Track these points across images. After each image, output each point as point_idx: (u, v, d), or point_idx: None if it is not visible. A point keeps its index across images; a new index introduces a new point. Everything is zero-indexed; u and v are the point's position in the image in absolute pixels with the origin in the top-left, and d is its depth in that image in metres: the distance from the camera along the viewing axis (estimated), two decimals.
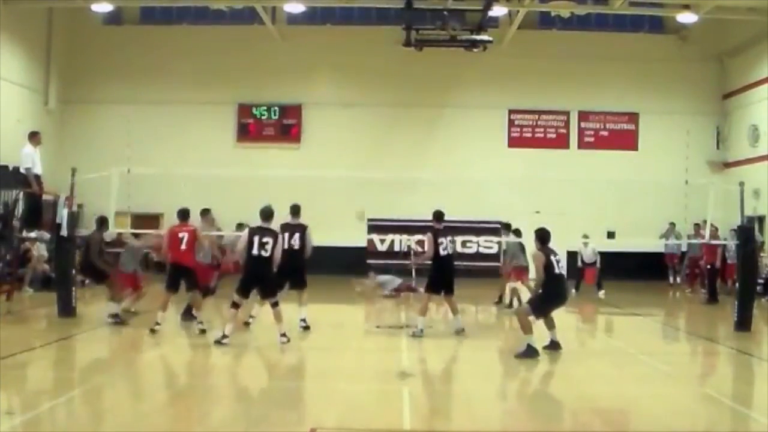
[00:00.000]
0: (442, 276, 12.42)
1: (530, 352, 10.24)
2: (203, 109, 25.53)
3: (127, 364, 9.33)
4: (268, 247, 10.90)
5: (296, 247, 12.50)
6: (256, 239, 10.92)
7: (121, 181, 15.19)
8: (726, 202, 18.38)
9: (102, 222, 13.88)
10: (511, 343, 12.54)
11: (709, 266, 18.68)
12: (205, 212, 15.10)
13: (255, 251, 10.87)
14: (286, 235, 12.41)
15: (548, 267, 10.33)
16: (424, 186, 23.03)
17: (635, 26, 25.75)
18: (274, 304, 11.18)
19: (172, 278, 12.12)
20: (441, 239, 12.34)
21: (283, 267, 11.77)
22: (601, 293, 18.71)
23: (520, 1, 22.14)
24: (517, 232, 16.94)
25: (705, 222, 18.47)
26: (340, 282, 19.16)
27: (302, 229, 12.75)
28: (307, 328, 12.52)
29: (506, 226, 17.70)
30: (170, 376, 8.82)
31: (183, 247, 11.87)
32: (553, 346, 10.76)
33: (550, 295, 10.47)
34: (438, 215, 12.69)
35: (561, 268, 10.54)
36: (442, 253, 12.34)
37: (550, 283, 10.36)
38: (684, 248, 22.40)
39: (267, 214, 11.49)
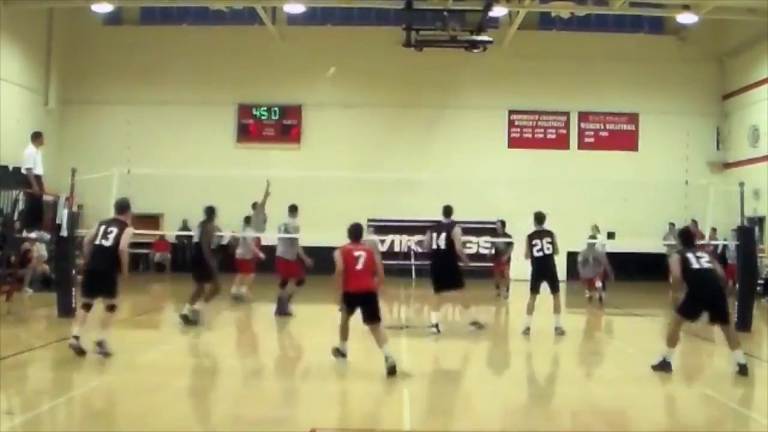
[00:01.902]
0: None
1: (664, 366, 9.37)
2: (203, 109, 25.55)
3: (127, 364, 9.32)
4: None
5: (443, 247, 12.48)
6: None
7: (121, 181, 15.18)
8: (726, 203, 18.41)
9: (212, 212, 13.49)
10: (511, 343, 12.56)
11: None
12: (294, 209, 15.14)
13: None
14: (434, 234, 12.57)
15: (685, 265, 9.38)
16: (424, 186, 23.04)
17: (635, 27, 25.77)
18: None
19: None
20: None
21: (434, 267, 12.46)
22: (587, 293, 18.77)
23: (520, 2, 22.16)
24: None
25: (714, 230, 18.47)
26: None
27: (450, 228, 12.70)
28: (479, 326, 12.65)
29: (502, 224, 18.94)
30: (170, 376, 8.81)
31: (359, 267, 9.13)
32: (663, 367, 9.48)
33: (695, 294, 9.38)
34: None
35: (702, 262, 9.43)
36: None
37: (691, 280, 9.37)
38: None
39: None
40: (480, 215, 23.80)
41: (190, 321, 12.64)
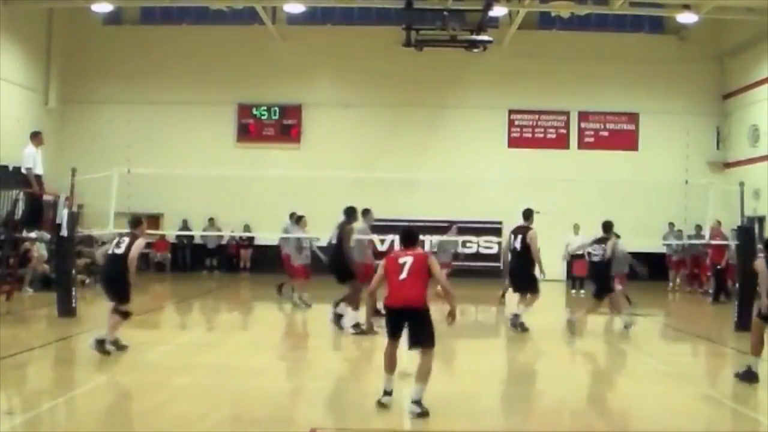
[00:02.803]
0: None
1: (750, 376, 8.78)
2: (203, 109, 25.55)
3: (127, 364, 9.33)
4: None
5: (519, 249, 12.72)
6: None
7: (121, 181, 15.18)
8: (726, 203, 18.39)
9: (352, 212, 13.19)
10: (510, 343, 12.56)
11: (717, 266, 18.56)
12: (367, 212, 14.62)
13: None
14: (512, 236, 12.81)
15: None
16: (424, 186, 23.05)
17: (635, 26, 25.76)
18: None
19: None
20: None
21: (510, 269, 12.85)
22: (582, 292, 18.79)
23: (520, 2, 22.15)
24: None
25: (719, 222, 18.46)
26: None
27: (526, 231, 12.84)
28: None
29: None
30: (170, 376, 8.82)
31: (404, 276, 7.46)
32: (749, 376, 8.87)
33: None
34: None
35: None
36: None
37: None
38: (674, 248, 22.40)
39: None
40: (480, 215, 23.86)
41: (338, 323, 12.51)
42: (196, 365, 9.58)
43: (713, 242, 17.71)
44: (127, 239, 9.89)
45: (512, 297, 13.60)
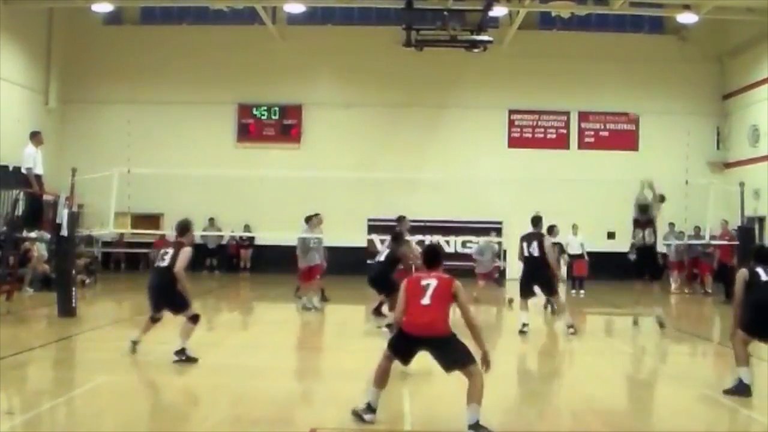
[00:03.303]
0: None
1: (741, 389, 8.17)
2: (203, 109, 25.56)
3: (127, 364, 9.32)
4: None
5: (536, 254, 12.85)
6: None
7: (121, 181, 15.18)
8: (726, 203, 18.41)
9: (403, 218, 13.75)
10: (511, 343, 12.55)
11: (728, 266, 18.33)
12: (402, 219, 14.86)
13: None
14: (525, 243, 12.94)
15: (752, 278, 8.48)
16: (424, 186, 23.06)
17: (635, 27, 25.77)
18: None
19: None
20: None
21: (526, 273, 12.93)
22: (582, 293, 18.78)
23: (521, 2, 22.16)
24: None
25: (726, 222, 18.40)
26: (339, 282, 19.13)
27: (541, 237, 13.08)
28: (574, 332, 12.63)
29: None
30: (170, 376, 8.81)
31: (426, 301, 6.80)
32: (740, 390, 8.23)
33: (762, 308, 8.36)
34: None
35: None
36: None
37: (756, 294, 8.40)
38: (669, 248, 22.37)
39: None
40: (480, 215, 23.85)
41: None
42: (196, 365, 9.56)
43: (721, 242, 17.68)
44: (170, 251, 9.61)
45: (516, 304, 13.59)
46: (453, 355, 6.76)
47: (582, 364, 11.23)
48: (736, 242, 17.66)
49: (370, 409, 6.78)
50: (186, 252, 9.53)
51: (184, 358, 9.27)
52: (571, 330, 12.55)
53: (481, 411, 6.53)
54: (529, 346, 12.11)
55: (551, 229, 15.50)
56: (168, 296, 9.53)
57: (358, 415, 6.77)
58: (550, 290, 13.47)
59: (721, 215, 18.16)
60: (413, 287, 6.86)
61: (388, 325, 11.78)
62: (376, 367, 6.92)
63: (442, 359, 6.84)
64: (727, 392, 8.21)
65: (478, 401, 6.54)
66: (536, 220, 13.22)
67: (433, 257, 7.13)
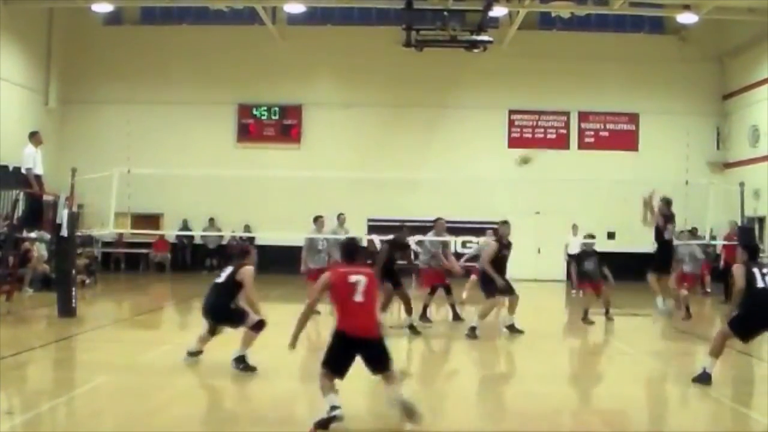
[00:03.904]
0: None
1: (704, 378, 8.55)
2: (203, 109, 25.56)
3: (127, 364, 9.32)
4: None
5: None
6: None
7: (121, 181, 15.17)
8: (726, 203, 18.41)
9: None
10: (510, 343, 12.55)
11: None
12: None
13: None
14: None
15: (750, 280, 8.55)
16: (424, 186, 23.05)
17: (635, 27, 25.76)
18: None
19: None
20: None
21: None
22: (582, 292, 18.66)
23: (521, 2, 22.15)
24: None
25: (736, 223, 18.33)
26: None
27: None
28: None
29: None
30: (170, 376, 8.81)
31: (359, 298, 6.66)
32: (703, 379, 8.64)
33: (753, 313, 8.55)
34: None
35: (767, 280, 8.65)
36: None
37: (753, 299, 8.53)
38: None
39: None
40: (480, 215, 23.82)
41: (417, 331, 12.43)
42: (197, 365, 9.56)
43: (729, 242, 17.63)
44: (229, 268, 9.31)
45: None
46: (385, 359, 6.61)
47: (582, 364, 11.23)
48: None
49: (334, 408, 6.56)
50: (249, 271, 9.13)
51: (241, 366, 8.89)
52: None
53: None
54: (526, 345, 12.11)
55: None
56: (221, 314, 9.17)
57: (336, 418, 6.50)
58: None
59: (721, 215, 18.13)
60: (342, 283, 6.59)
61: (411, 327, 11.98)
62: (320, 386, 6.69)
63: (375, 364, 6.62)
64: (694, 380, 8.60)
65: (398, 383, 6.68)
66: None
67: (351, 251, 7.02)
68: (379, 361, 6.57)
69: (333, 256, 15.76)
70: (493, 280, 12.17)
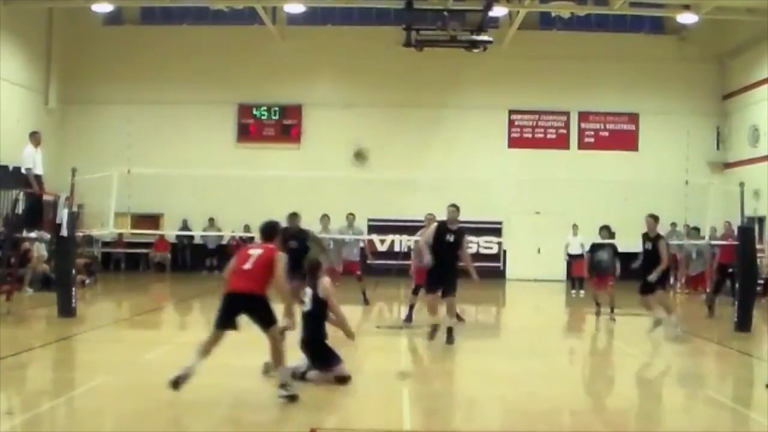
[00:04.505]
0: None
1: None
2: (203, 109, 25.56)
3: (127, 364, 9.32)
4: None
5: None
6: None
7: (121, 181, 15.16)
8: (726, 203, 18.39)
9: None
10: (509, 342, 12.56)
11: (730, 270, 17.99)
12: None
13: None
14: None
15: None
16: (424, 186, 23.04)
17: (635, 26, 25.78)
18: None
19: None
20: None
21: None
22: (582, 293, 18.71)
23: (521, 2, 22.15)
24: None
25: (729, 223, 18.32)
26: (338, 282, 19.16)
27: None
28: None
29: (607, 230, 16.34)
30: (170, 376, 8.81)
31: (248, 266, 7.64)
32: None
33: None
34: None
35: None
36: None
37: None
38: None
39: None
40: (480, 215, 23.85)
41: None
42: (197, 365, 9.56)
43: (723, 242, 17.58)
44: (310, 291, 8.67)
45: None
46: (264, 315, 7.53)
47: (582, 364, 11.23)
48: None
49: (183, 376, 7.43)
50: (327, 283, 8.73)
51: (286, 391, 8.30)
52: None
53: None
54: (526, 345, 12.11)
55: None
56: (314, 346, 8.65)
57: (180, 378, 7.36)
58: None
59: (721, 215, 18.11)
60: (241, 255, 7.79)
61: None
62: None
63: (256, 319, 7.59)
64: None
65: (282, 363, 7.57)
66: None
67: (266, 230, 8.08)
68: (258, 317, 7.56)
69: (342, 255, 15.65)
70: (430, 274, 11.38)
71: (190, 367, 7.46)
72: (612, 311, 14.75)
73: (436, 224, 11.84)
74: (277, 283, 7.65)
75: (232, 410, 7.46)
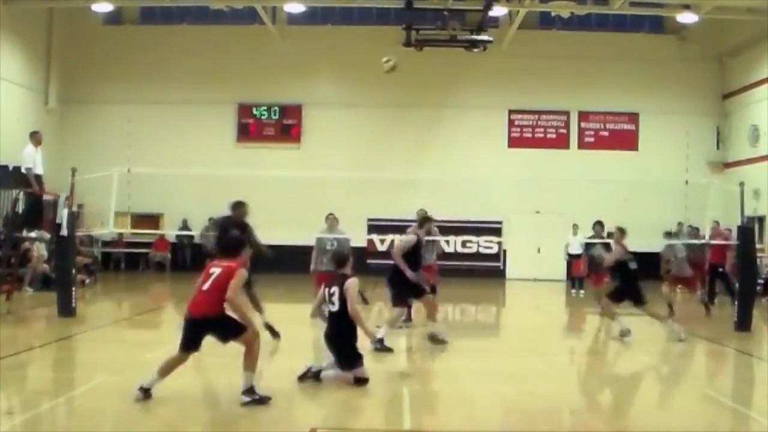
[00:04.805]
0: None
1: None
2: (203, 109, 25.56)
3: (127, 364, 9.32)
4: None
5: None
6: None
7: (121, 181, 15.14)
8: (726, 203, 18.39)
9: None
10: (509, 342, 12.56)
11: (719, 269, 18.00)
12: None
13: None
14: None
15: None
16: (424, 186, 23.05)
17: (635, 26, 25.78)
18: None
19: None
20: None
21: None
22: (582, 292, 18.69)
23: (520, 1, 22.16)
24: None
25: (717, 223, 18.33)
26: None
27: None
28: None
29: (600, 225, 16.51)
30: (170, 376, 8.81)
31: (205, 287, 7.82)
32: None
33: None
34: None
35: None
36: None
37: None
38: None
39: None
40: (480, 215, 23.87)
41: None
42: (196, 365, 9.56)
43: (713, 242, 17.58)
44: (337, 289, 8.44)
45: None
46: (226, 331, 7.52)
47: (582, 364, 11.23)
48: (730, 243, 17.56)
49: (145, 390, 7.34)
50: (354, 285, 8.48)
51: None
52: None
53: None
54: (526, 345, 12.11)
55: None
56: (338, 344, 8.48)
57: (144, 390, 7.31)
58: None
59: (721, 215, 18.11)
60: (204, 274, 7.86)
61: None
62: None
63: (223, 337, 7.60)
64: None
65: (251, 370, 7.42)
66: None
67: (231, 246, 8.33)
68: (222, 334, 7.56)
69: (326, 262, 15.07)
70: (402, 285, 11.17)
71: (150, 385, 7.37)
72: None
73: (415, 237, 11.52)
74: (229, 302, 7.53)
75: (232, 410, 7.45)
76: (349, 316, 8.32)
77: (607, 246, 15.17)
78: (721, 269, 17.76)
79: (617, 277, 12.92)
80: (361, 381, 8.24)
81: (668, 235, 16.20)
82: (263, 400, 7.33)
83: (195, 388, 8.49)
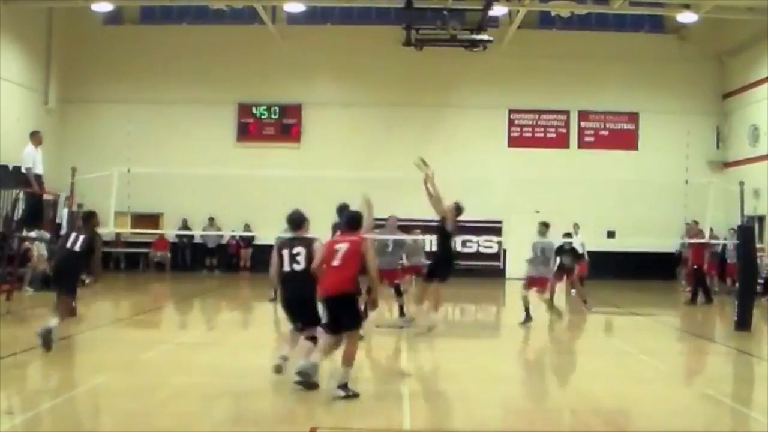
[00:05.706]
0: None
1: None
2: (203, 109, 25.55)
3: (126, 364, 9.32)
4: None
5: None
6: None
7: (121, 181, 15.16)
8: (726, 202, 18.40)
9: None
10: (509, 342, 12.56)
11: (695, 267, 18.22)
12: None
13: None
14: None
15: None
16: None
17: (635, 26, 25.76)
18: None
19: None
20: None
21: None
22: (573, 292, 18.70)
23: (520, 1, 22.15)
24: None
25: (696, 222, 18.41)
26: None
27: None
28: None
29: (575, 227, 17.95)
30: (170, 375, 8.81)
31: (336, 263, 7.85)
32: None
33: None
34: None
35: None
36: None
37: None
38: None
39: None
40: (480, 215, 23.82)
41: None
42: (196, 365, 9.57)
43: (692, 241, 17.65)
44: (303, 249, 8.42)
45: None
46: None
47: (582, 364, 11.23)
48: (708, 242, 17.66)
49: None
50: (318, 245, 8.48)
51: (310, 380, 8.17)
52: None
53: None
54: (526, 344, 12.12)
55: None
56: (304, 306, 8.45)
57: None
58: None
59: (721, 215, 18.13)
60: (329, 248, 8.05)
61: None
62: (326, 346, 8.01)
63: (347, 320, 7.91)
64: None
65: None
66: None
67: (353, 221, 8.41)
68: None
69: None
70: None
71: (315, 365, 7.86)
72: (585, 303, 15.93)
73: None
74: (370, 272, 7.95)
75: (232, 410, 7.46)
76: (311, 275, 8.23)
77: (574, 251, 15.53)
78: (695, 266, 17.85)
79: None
80: (314, 339, 8.34)
81: (567, 235, 16.19)
82: (355, 396, 7.65)
83: (196, 389, 8.49)
